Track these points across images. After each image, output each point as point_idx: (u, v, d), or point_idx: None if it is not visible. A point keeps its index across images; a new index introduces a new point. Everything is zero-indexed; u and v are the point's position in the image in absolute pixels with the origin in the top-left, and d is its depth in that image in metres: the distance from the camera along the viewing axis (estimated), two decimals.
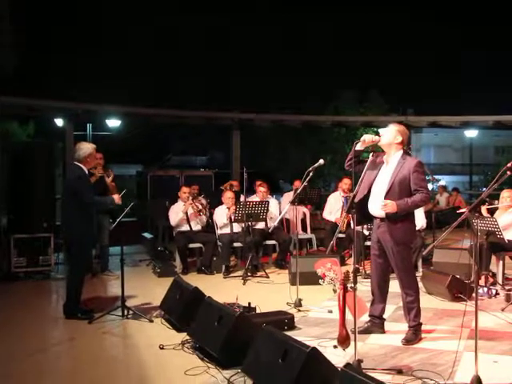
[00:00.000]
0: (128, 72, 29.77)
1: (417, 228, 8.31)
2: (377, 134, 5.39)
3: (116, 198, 6.38)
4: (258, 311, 5.92)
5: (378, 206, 5.04)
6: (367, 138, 5.14)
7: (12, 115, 18.11)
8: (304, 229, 10.26)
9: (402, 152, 5.17)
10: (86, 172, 6.26)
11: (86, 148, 6.21)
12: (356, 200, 4.87)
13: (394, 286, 5.41)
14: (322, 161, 6.45)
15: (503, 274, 7.43)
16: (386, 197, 5.01)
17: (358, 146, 5.15)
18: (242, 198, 8.90)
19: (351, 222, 5.07)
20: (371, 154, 5.22)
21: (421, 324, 5.20)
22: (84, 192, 6.04)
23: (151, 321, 5.93)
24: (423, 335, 5.22)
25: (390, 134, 5.17)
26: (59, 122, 15.38)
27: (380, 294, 5.35)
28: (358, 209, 4.88)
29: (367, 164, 5.09)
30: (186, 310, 5.48)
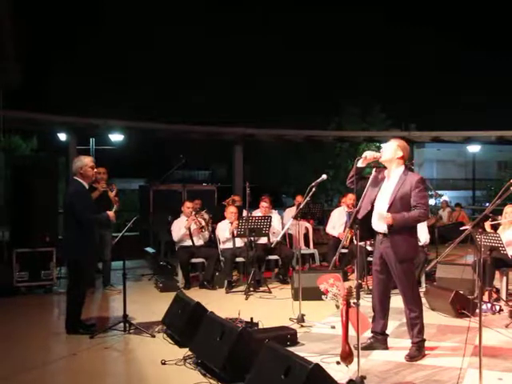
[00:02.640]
0: (130, 86, 29.90)
1: (420, 243, 8.35)
2: (379, 149, 5.38)
3: (110, 214, 6.38)
4: (260, 326, 5.89)
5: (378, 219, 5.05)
6: (368, 155, 5.15)
7: (15, 129, 18.20)
8: (307, 244, 10.25)
9: (403, 167, 5.18)
10: (86, 187, 6.23)
11: (79, 161, 6.18)
12: (359, 216, 4.88)
13: (398, 301, 5.39)
14: (324, 176, 6.46)
15: (507, 289, 7.40)
16: (388, 212, 5.01)
17: (360, 163, 5.17)
18: (245, 213, 8.89)
19: (354, 237, 5.08)
20: (374, 170, 5.22)
21: (424, 340, 5.17)
22: (77, 208, 6.00)
23: (153, 336, 5.90)
24: (426, 352, 5.19)
25: (390, 150, 5.18)
26: (62, 136, 15.46)
27: (381, 309, 5.32)
28: (361, 224, 4.88)
29: (370, 180, 5.10)
30: (188, 326, 5.46)
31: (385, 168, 5.27)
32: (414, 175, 5.16)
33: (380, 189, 5.19)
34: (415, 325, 5.12)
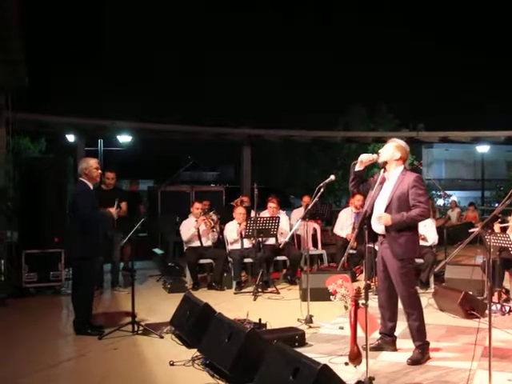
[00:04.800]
0: (138, 88, 30.02)
1: (428, 244, 8.35)
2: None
3: (113, 212, 6.63)
4: (268, 327, 5.89)
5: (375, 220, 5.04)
6: (364, 158, 5.16)
7: (24, 131, 18.26)
8: (315, 244, 10.23)
9: (402, 168, 5.15)
10: (91, 187, 6.30)
11: (84, 162, 6.31)
12: (362, 218, 4.86)
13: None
14: (332, 176, 6.45)
15: None
16: (386, 212, 5.00)
17: (357, 167, 5.20)
18: (253, 214, 8.89)
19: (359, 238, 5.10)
20: (382, 171, 5.19)
21: (427, 343, 5.10)
22: (80, 208, 6.07)
23: (161, 337, 5.90)
24: (436, 353, 5.17)
25: (388, 151, 5.15)
26: (71, 137, 15.51)
27: (389, 311, 5.29)
28: (368, 225, 4.88)
29: (378, 182, 5.08)
30: (196, 326, 5.46)
31: None
32: (411, 174, 5.12)
33: (381, 190, 5.17)
34: (414, 329, 5.06)
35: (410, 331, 5.11)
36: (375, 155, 5.17)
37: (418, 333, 5.05)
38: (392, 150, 5.14)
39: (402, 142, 5.24)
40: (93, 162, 6.31)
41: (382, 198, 5.11)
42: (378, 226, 5.08)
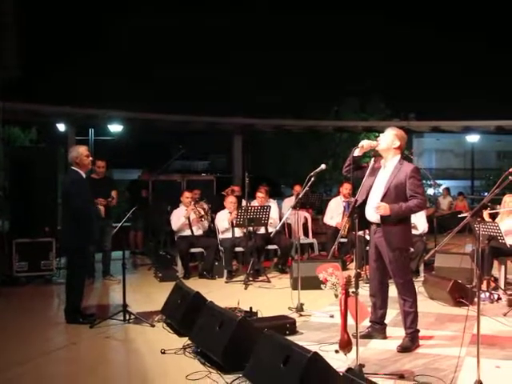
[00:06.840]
0: (129, 76, 29.85)
1: (418, 232, 8.39)
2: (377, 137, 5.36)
3: (102, 204, 7.20)
4: (259, 316, 5.92)
5: (372, 209, 5.04)
6: (365, 144, 5.14)
7: (14, 120, 18.17)
8: (306, 233, 10.26)
9: (399, 157, 5.16)
10: (83, 175, 6.29)
11: (74, 151, 6.27)
12: (352, 206, 4.88)
13: (396, 290, 5.40)
14: (323, 166, 6.47)
15: (505, 278, 7.42)
16: (382, 201, 4.99)
17: (356, 152, 5.15)
18: (244, 203, 8.90)
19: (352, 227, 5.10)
20: (373, 160, 5.20)
21: (418, 331, 5.14)
22: (73, 197, 6.07)
23: (153, 325, 5.91)
24: (425, 341, 5.21)
25: (387, 139, 5.16)
26: (61, 127, 15.44)
27: (380, 299, 5.32)
28: (358, 214, 4.88)
29: (369, 169, 5.08)
30: (187, 315, 5.47)
31: (381, 157, 5.27)
32: (409, 165, 5.13)
33: (375, 178, 5.18)
34: (408, 315, 5.09)
35: (404, 318, 5.14)
36: (376, 142, 5.17)
37: (412, 319, 5.09)
38: (391, 138, 5.14)
39: (400, 131, 5.25)
40: (82, 150, 6.27)
41: (377, 187, 5.11)
42: (373, 215, 5.09)
